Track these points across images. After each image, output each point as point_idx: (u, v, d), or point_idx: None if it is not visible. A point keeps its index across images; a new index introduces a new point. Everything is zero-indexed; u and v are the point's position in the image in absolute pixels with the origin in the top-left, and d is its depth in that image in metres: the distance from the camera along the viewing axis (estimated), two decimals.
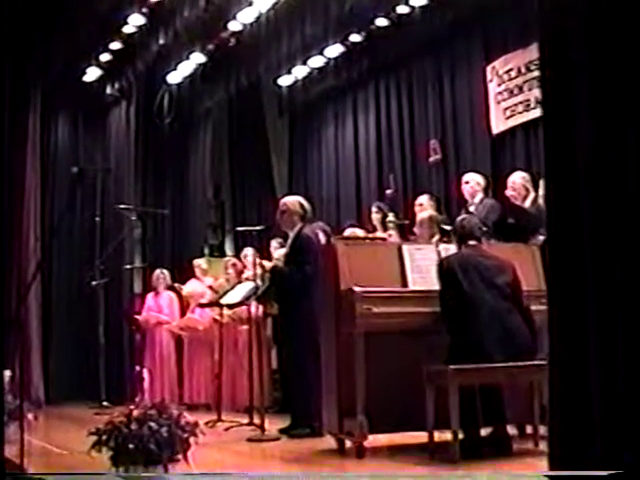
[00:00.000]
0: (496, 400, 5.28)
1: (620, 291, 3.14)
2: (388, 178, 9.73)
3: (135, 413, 4.30)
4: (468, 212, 7.34)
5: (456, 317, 5.25)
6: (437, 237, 6.91)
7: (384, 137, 11.33)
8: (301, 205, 7.08)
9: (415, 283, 5.63)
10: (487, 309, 5.17)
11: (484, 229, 5.69)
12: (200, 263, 10.74)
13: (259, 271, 7.55)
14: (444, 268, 5.39)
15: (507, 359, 5.07)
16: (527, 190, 7.35)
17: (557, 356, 3.38)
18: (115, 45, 10.45)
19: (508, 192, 7.41)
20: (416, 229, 7.35)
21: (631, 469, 2.98)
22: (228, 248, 12.96)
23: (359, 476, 4.88)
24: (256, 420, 6.98)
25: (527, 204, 7.23)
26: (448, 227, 7.05)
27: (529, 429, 5.53)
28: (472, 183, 7.83)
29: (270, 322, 8.55)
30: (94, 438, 4.29)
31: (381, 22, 10.03)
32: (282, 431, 6.69)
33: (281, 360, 7.48)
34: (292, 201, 7.17)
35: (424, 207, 8.09)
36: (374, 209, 8.90)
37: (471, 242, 5.51)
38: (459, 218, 5.86)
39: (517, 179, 7.46)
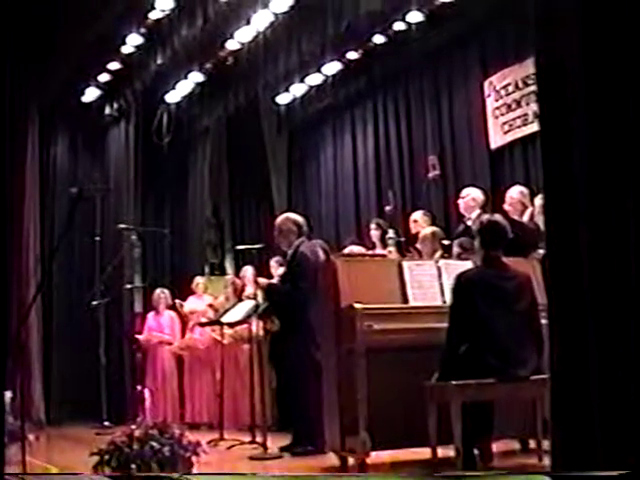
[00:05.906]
0: (487, 416, 5.23)
1: (619, 304, 3.14)
2: (387, 194, 9.72)
3: (137, 433, 4.29)
4: (466, 227, 7.33)
5: (465, 336, 5.10)
6: (439, 253, 6.90)
7: (382, 153, 11.35)
8: (293, 222, 7.00)
9: (416, 299, 5.61)
10: (499, 335, 5.00)
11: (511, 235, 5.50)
12: (201, 281, 10.74)
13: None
14: (462, 284, 5.19)
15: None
16: (524, 205, 7.37)
17: (558, 369, 3.38)
18: (114, 65, 10.48)
19: (505, 207, 7.43)
20: (419, 245, 7.34)
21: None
22: (228, 266, 12.95)
23: (359, 476, 4.87)
24: (258, 438, 6.97)
25: (524, 219, 7.23)
26: (447, 241, 7.06)
27: (532, 444, 5.52)
28: (467, 198, 7.75)
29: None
30: (96, 458, 4.28)
31: (378, 39, 10.08)
32: (284, 449, 6.66)
33: (279, 378, 7.43)
34: (283, 220, 7.08)
35: (419, 223, 8.10)
36: (373, 226, 8.89)
37: (495, 253, 5.28)
38: (486, 218, 5.57)
39: (514, 194, 7.49)
